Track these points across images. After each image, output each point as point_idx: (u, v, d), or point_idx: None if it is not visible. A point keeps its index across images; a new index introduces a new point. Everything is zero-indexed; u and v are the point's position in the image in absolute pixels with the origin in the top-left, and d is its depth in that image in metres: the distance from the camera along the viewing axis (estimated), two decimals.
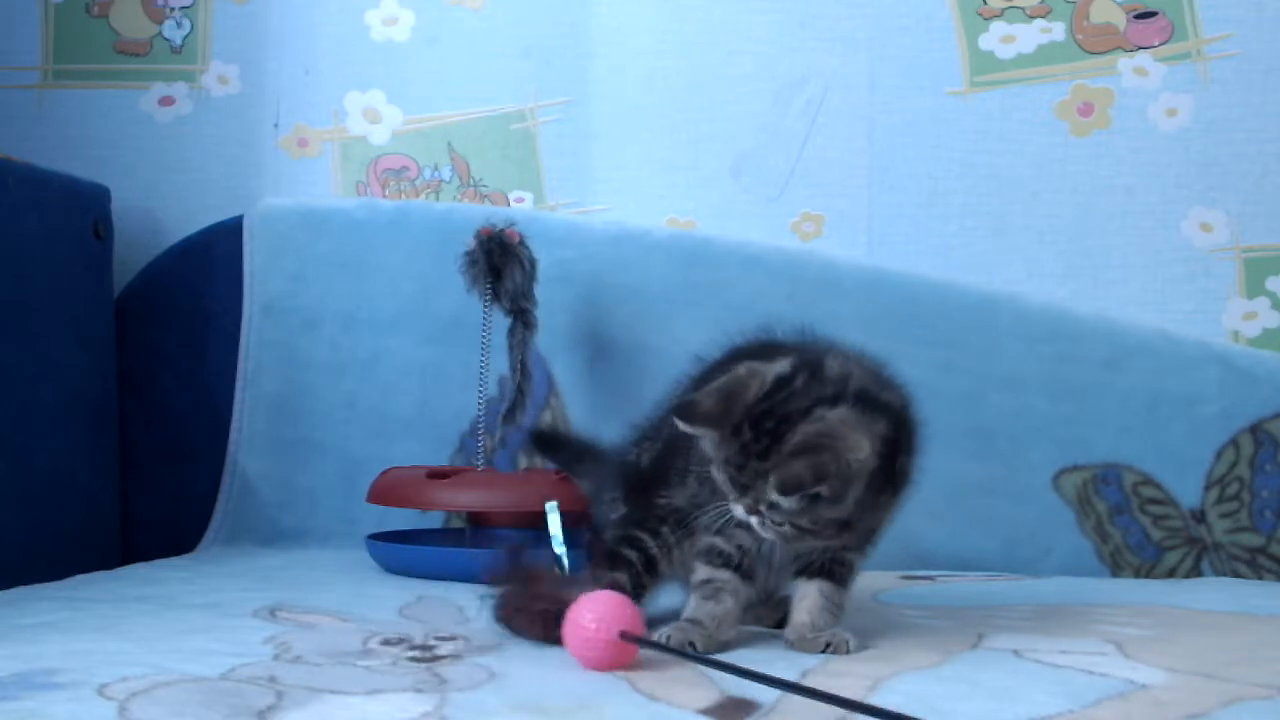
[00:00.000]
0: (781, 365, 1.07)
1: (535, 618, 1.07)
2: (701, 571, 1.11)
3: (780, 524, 1.03)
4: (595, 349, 1.81)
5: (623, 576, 1.13)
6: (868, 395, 1.07)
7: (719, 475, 1.06)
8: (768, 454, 1.02)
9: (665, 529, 1.15)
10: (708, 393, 1.06)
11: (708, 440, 1.06)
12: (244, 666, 0.98)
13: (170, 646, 1.05)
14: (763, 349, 1.14)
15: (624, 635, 0.99)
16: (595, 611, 1.00)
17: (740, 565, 1.10)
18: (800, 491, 1.01)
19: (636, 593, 1.12)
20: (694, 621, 1.08)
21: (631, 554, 1.14)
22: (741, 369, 1.08)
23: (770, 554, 1.11)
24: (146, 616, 1.21)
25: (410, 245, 1.84)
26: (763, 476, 1.02)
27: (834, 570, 1.12)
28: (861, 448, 1.03)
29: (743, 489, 1.04)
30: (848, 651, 1.08)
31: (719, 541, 1.10)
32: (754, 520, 1.04)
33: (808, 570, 1.12)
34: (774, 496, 1.01)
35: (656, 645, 1.02)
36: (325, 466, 1.82)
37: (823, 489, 1.01)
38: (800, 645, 1.10)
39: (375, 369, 1.84)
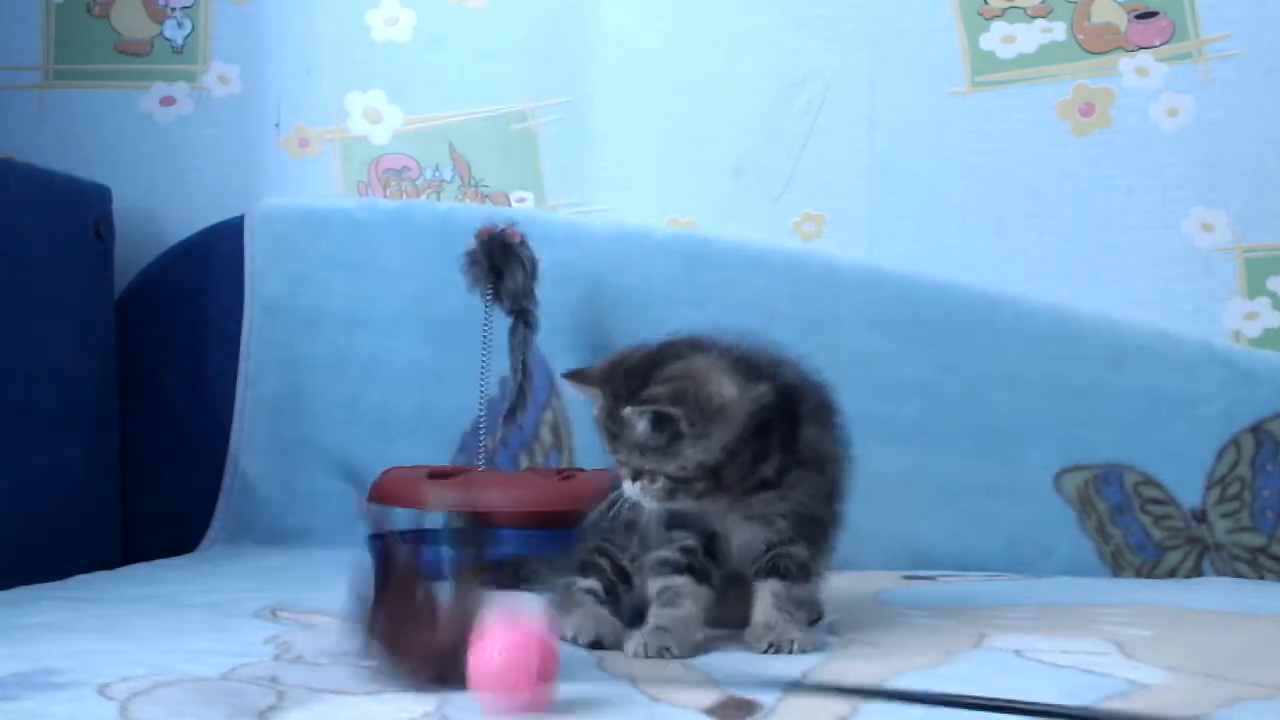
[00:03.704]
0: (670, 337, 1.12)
1: (425, 657, 0.91)
2: (655, 584, 1.11)
3: (653, 481, 1.05)
4: (596, 349, 1.81)
5: (595, 583, 1.15)
6: (749, 362, 1.11)
7: (604, 442, 1.09)
8: (634, 397, 1.05)
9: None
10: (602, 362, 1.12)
11: (595, 407, 1.10)
12: (245, 666, 0.98)
13: (171, 646, 1.05)
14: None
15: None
16: (505, 655, 0.85)
17: (693, 568, 1.11)
18: (653, 407, 1.02)
19: (610, 597, 1.15)
20: (661, 629, 1.08)
21: (603, 561, 1.16)
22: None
23: (726, 556, 1.13)
24: (147, 616, 1.21)
25: (411, 245, 1.84)
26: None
27: (780, 565, 1.12)
28: (724, 385, 1.06)
29: (615, 451, 1.07)
30: (791, 651, 1.08)
31: (666, 552, 1.11)
32: (634, 485, 1.06)
33: (758, 573, 1.13)
34: (626, 414, 1.03)
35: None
36: (326, 466, 1.82)
37: (678, 415, 1.02)
38: (753, 646, 1.10)
39: (376, 369, 1.84)
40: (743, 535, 1.13)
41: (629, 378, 1.07)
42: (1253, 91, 1.80)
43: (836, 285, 1.79)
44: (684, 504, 1.08)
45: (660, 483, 1.06)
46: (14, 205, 1.60)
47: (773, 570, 1.13)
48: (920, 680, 0.98)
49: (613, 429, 1.07)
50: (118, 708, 0.86)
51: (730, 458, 1.06)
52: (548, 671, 0.87)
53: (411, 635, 0.92)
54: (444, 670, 0.89)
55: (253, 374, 1.84)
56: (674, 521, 1.12)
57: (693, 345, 1.10)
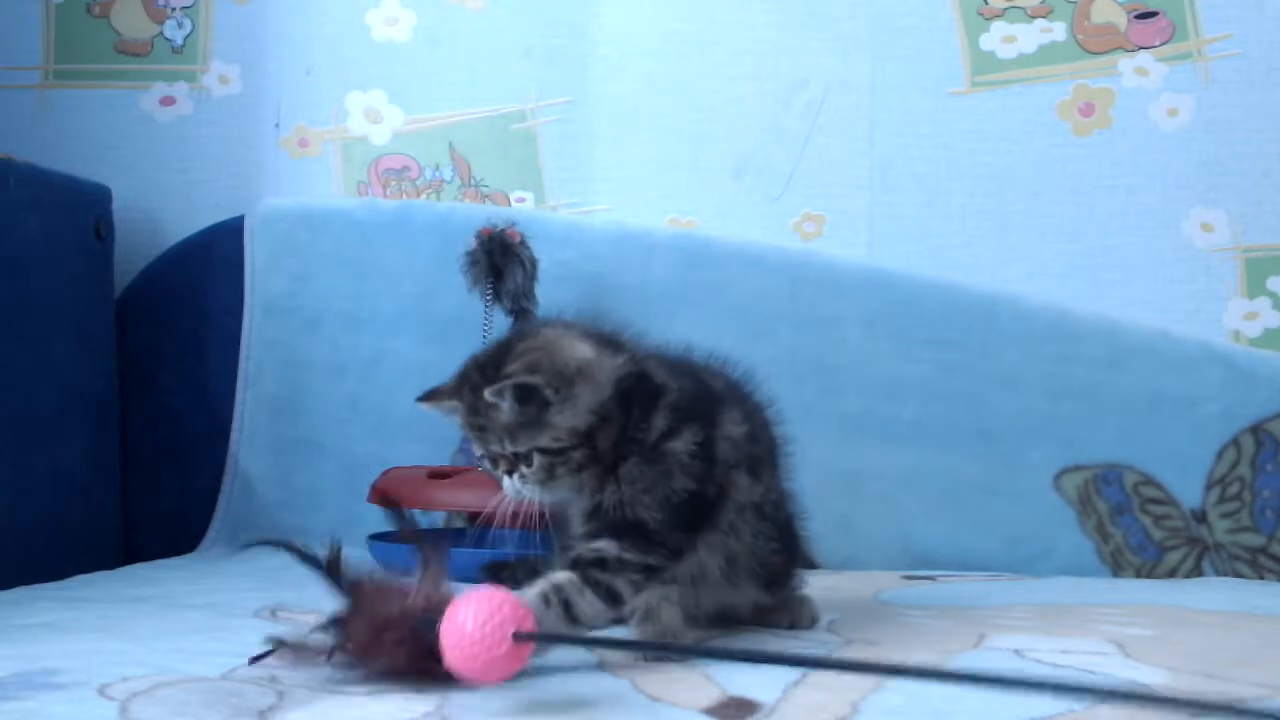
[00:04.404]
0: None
1: (396, 646, 0.91)
2: (624, 606, 1.08)
3: (529, 464, 1.03)
4: None
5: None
6: (607, 337, 1.08)
7: (475, 446, 1.06)
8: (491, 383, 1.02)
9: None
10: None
11: (459, 418, 1.07)
12: (245, 666, 0.98)
13: (171, 646, 1.05)
14: None
15: (518, 635, 0.87)
16: (477, 613, 0.86)
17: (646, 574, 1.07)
18: (512, 381, 1.00)
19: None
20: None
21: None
22: None
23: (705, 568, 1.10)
24: (147, 616, 1.21)
25: (411, 245, 1.84)
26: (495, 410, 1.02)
27: (581, 558, 1.04)
28: (576, 349, 1.04)
29: (488, 447, 1.04)
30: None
31: (605, 578, 1.05)
32: (512, 479, 1.04)
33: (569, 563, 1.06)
34: (489, 396, 1.01)
35: (556, 639, 0.93)
36: (326, 466, 1.82)
37: (539, 383, 1.00)
38: None
39: (376, 369, 1.84)
40: (567, 484, 1.07)
41: (483, 370, 1.05)
42: (1253, 91, 1.80)
43: (836, 285, 1.79)
44: (565, 484, 1.04)
45: (537, 462, 1.03)
46: (14, 205, 1.60)
47: (574, 562, 1.04)
48: (921, 680, 0.98)
49: (479, 423, 1.04)
50: (118, 708, 0.86)
51: (602, 421, 1.03)
52: (523, 629, 0.87)
53: (382, 619, 0.92)
54: (418, 649, 0.89)
55: (253, 374, 1.84)
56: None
57: (543, 324, 1.10)
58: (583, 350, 1.05)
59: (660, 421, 1.05)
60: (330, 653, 0.93)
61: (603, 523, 1.05)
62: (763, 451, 1.15)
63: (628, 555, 1.03)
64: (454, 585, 0.92)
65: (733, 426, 1.10)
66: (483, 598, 0.88)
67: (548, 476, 1.04)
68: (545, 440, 1.03)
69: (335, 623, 0.94)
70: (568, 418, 1.02)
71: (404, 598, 0.93)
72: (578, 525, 1.08)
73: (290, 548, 0.98)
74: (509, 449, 1.04)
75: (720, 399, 1.12)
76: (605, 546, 1.04)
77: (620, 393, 1.04)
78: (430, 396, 1.10)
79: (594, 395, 1.03)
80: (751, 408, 1.16)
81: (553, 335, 1.06)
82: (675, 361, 1.13)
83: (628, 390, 1.05)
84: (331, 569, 0.96)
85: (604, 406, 1.04)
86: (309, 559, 0.97)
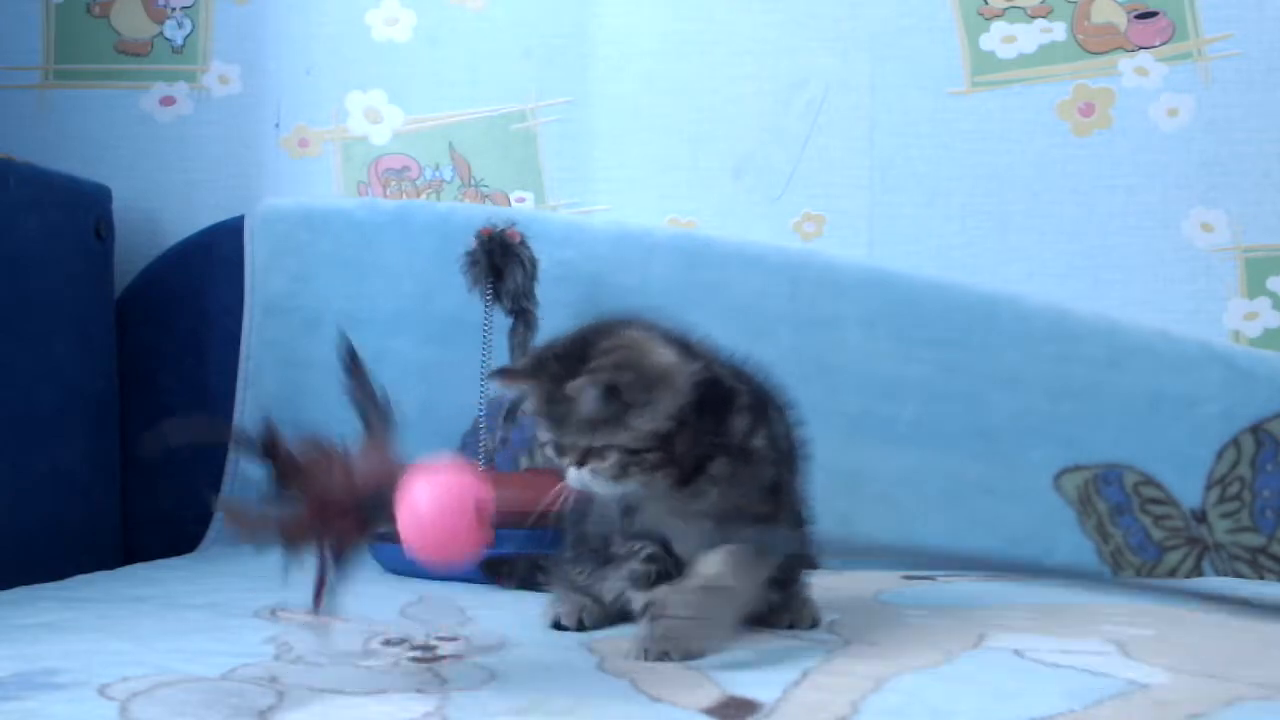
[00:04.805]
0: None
1: (343, 526, 0.84)
2: (637, 599, 1.10)
3: (603, 459, 1.03)
4: None
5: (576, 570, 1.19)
6: (680, 340, 1.09)
7: (546, 431, 1.06)
8: (574, 375, 1.03)
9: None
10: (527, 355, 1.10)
11: (530, 401, 1.07)
12: (245, 666, 0.98)
13: (171, 646, 1.05)
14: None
15: (481, 513, 0.81)
16: (433, 488, 0.81)
17: (667, 574, 1.09)
18: (602, 377, 1.01)
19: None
20: (661, 635, 1.05)
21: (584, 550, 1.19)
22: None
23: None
24: (146, 616, 1.21)
25: (411, 245, 1.84)
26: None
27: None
28: (660, 353, 1.05)
29: (560, 437, 1.04)
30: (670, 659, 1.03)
31: (635, 565, 1.10)
32: (580, 471, 1.04)
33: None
34: (572, 390, 1.01)
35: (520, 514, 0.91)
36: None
37: (626, 382, 1.01)
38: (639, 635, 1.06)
39: (376, 369, 1.80)
40: (684, 539, 1.10)
41: (563, 360, 1.05)
42: (1253, 91, 1.80)
43: (836, 285, 1.79)
44: (635, 482, 1.05)
45: (612, 459, 1.03)
46: (14, 205, 1.60)
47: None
48: (920, 680, 0.98)
49: (557, 414, 1.04)
50: (118, 708, 0.86)
51: (680, 425, 1.04)
52: (483, 508, 0.82)
53: (327, 500, 0.85)
54: (370, 515, 0.84)
55: (253, 373, 1.84)
56: (625, 529, 1.11)
57: (624, 323, 1.09)
58: (666, 355, 1.06)
59: (740, 423, 1.08)
60: (277, 526, 0.86)
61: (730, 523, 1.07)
62: (791, 453, 1.17)
63: None
64: (400, 457, 0.86)
65: (780, 427, 1.14)
66: (438, 471, 0.83)
67: (620, 473, 1.05)
68: (624, 438, 1.03)
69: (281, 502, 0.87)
70: (647, 421, 1.03)
71: (347, 472, 0.87)
72: (663, 519, 1.09)
73: (221, 438, 0.93)
74: (583, 443, 1.04)
75: (768, 401, 1.14)
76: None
77: (696, 398, 1.06)
78: (505, 375, 1.11)
79: (674, 400, 1.04)
80: (779, 411, 1.18)
81: (637, 336, 1.07)
82: (727, 365, 1.14)
83: (702, 396, 1.06)
84: (268, 450, 0.89)
85: (682, 411, 1.05)
86: (243, 443, 0.91)
